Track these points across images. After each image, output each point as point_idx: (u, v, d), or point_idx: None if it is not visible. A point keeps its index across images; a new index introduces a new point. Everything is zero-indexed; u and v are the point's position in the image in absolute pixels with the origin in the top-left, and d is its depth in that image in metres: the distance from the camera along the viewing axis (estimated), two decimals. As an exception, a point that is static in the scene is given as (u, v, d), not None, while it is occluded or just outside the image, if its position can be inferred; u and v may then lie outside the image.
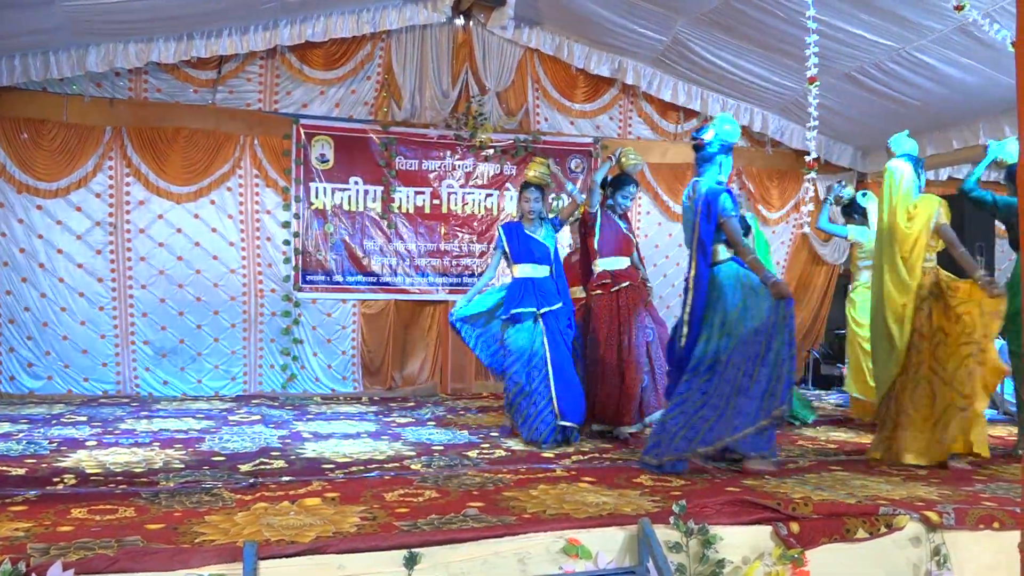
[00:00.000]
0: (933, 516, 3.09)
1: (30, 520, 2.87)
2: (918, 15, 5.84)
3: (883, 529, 3.02)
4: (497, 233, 5.31)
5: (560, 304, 4.98)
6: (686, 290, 4.08)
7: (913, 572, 3.03)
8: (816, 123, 5.38)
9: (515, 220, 5.29)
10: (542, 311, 4.91)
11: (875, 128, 7.97)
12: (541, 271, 5.04)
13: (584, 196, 5.38)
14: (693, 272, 4.02)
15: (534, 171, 5.17)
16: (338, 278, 7.62)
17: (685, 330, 4.01)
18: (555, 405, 4.74)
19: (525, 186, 5.15)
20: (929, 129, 7.64)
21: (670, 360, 4.32)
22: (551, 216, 5.28)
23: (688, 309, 4.02)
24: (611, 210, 5.33)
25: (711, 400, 3.88)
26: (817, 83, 5.33)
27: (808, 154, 5.53)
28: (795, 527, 2.93)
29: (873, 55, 6.59)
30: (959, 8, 5.00)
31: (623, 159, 5.35)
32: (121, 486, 3.50)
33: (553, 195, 7.44)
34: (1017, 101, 1.96)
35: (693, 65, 7.77)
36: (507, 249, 5.11)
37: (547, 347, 4.84)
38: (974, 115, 7.16)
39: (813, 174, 5.46)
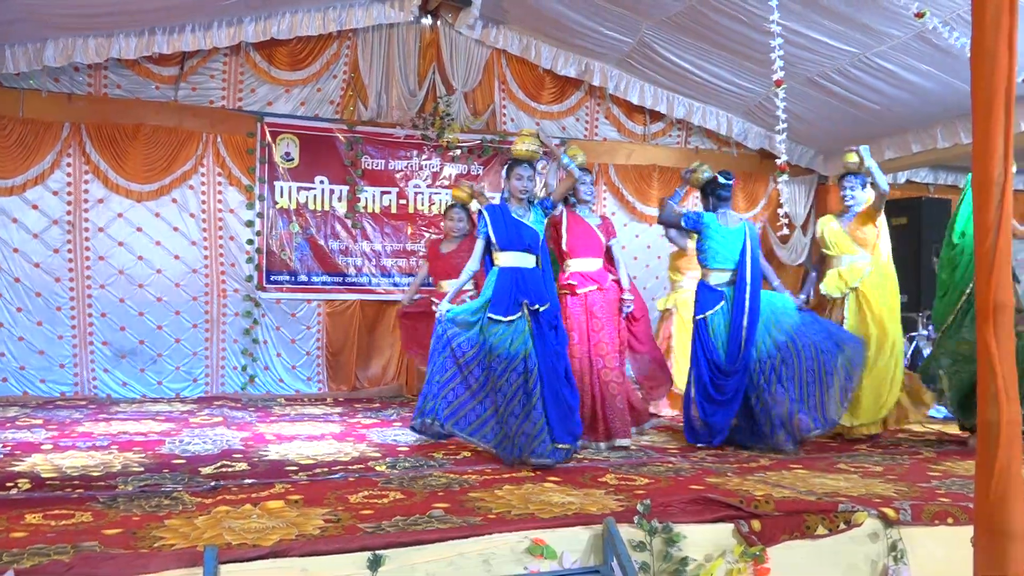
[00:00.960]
0: (890, 512, 3.15)
1: (-18, 526, 2.80)
2: (879, 22, 5.95)
3: (842, 526, 3.07)
4: (480, 216, 4.58)
5: (549, 303, 4.38)
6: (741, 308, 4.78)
7: (871, 568, 3.08)
8: (785, 125, 5.45)
9: (497, 202, 4.70)
10: (536, 308, 4.27)
11: (836, 132, 8.11)
12: (529, 261, 4.41)
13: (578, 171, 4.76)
14: (750, 292, 4.81)
15: (524, 145, 4.44)
16: (303, 278, 7.55)
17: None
18: (547, 422, 4.13)
19: (515, 163, 4.45)
20: (889, 133, 7.80)
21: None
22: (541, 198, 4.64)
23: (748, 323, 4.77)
24: (574, 208, 5.12)
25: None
26: (784, 86, 5.40)
27: (773, 156, 5.61)
28: (756, 525, 2.96)
29: (835, 60, 6.71)
30: (919, 15, 5.12)
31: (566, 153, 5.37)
32: (78, 490, 3.42)
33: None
34: (972, 106, 2.01)
35: (658, 68, 7.83)
36: (492, 235, 4.43)
37: (536, 353, 4.19)
38: (932, 119, 7.32)
39: (784, 176, 5.54)
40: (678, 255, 6.51)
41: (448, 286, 5.35)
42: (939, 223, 8.74)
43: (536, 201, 4.54)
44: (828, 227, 5.49)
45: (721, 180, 5.18)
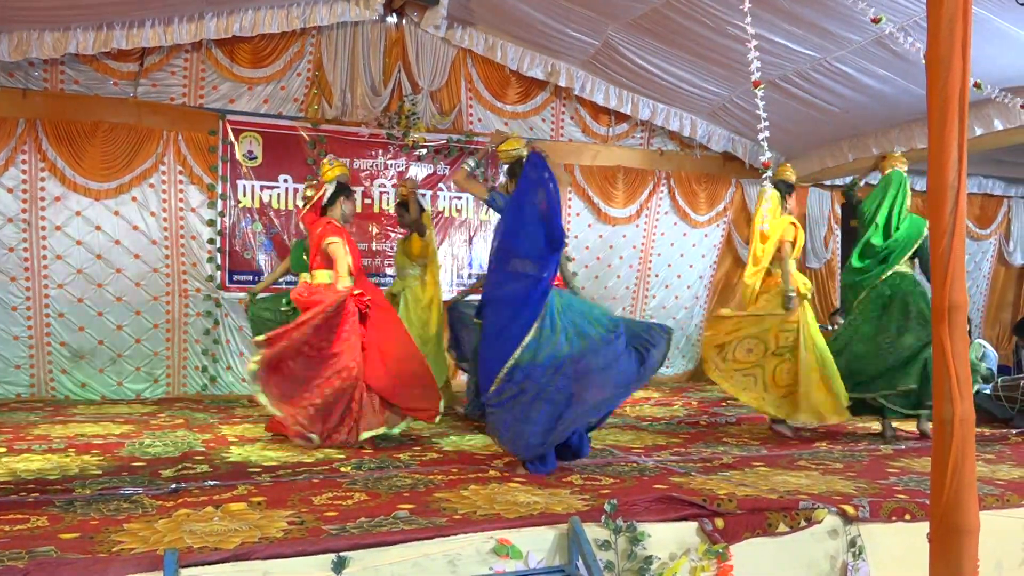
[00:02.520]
0: (849, 509, 3.21)
1: (-68, 532, 2.72)
2: (838, 27, 6.06)
3: (803, 523, 3.12)
4: None
5: None
6: None
7: (830, 564, 3.14)
8: (767, 123, 5.49)
9: None
10: None
11: (798, 134, 8.24)
12: None
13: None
14: None
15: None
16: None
17: None
18: None
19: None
20: (848, 136, 7.95)
21: None
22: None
23: None
24: None
25: None
26: (762, 87, 5.45)
27: (737, 158, 5.68)
28: (720, 523, 3.00)
29: (795, 63, 6.82)
30: (876, 20, 5.22)
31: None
32: (33, 494, 3.35)
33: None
34: (928, 112, 2.05)
35: (624, 69, 7.88)
36: None
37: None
38: (889, 123, 7.48)
39: (768, 173, 5.61)
40: (414, 241, 6.08)
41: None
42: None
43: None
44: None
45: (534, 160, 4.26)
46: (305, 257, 5.29)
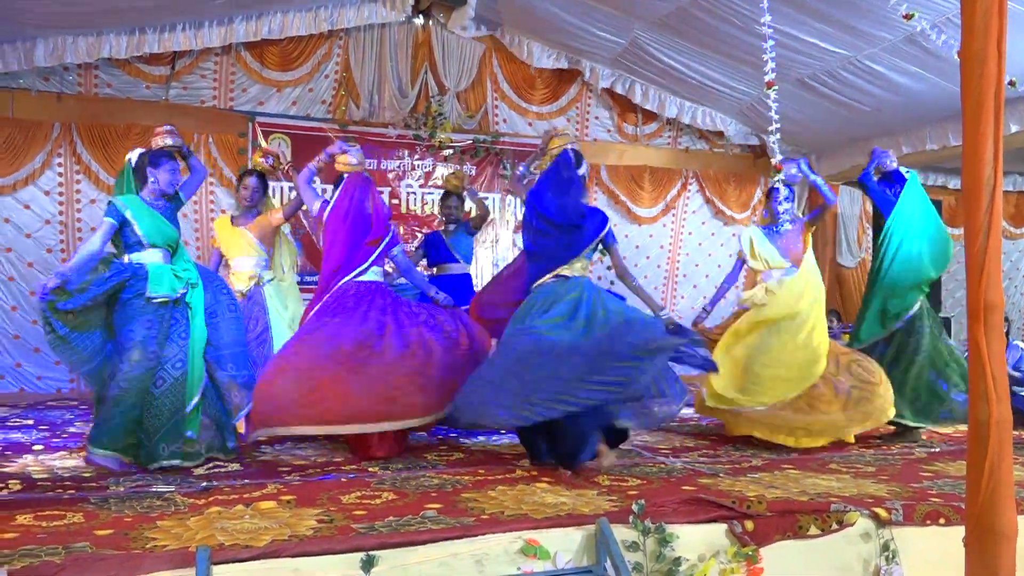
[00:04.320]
0: (882, 512, 3.16)
1: (-28, 527, 2.78)
2: (869, 25, 5.99)
3: (834, 526, 3.08)
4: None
5: None
6: None
7: (863, 568, 3.10)
8: (778, 126, 5.45)
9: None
10: None
11: (827, 133, 8.16)
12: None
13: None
14: None
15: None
16: (296, 278, 7.51)
17: None
18: None
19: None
20: (879, 135, 7.84)
21: None
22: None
23: None
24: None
25: None
26: (775, 87, 5.41)
27: (766, 157, 5.63)
28: (749, 525, 2.97)
29: (826, 62, 6.74)
30: (907, 16, 5.14)
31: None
32: (69, 491, 3.40)
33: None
34: (962, 108, 2.02)
35: (651, 68, 7.85)
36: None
37: None
38: (921, 122, 7.36)
39: (780, 176, 5.54)
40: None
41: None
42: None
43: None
44: (755, 237, 5.14)
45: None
46: None
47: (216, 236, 5.40)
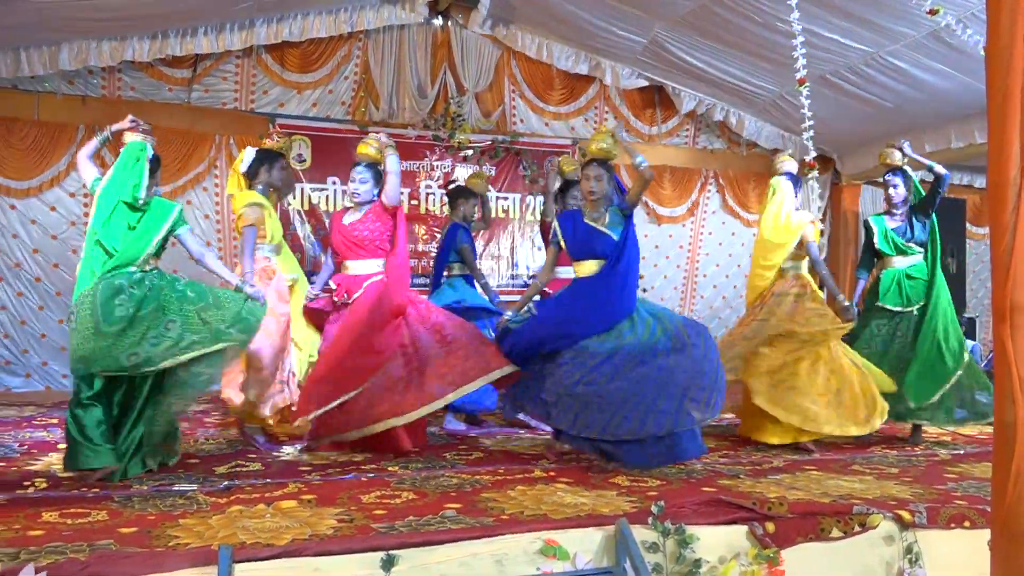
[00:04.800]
0: (905, 515, 3.13)
1: (-1, 524, 2.83)
2: (891, 20, 5.92)
3: (857, 528, 3.05)
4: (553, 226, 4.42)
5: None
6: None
7: (886, 570, 3.07)
8: (812, 123, 5.41)
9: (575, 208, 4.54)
10: None
11: (849, 131, 8.07)
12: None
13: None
14: None
15: (598, 143, 4.25)
16: (315, 278, 7.55)
17: None
18: None
19: (587, 163, 4.25)
20: (903, 132, 7.74)
21: None
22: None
23: None
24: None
25: None
26: (806, 84, 5.36)
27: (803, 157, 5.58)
28: (770, 527, 2.96)
29: (847, 59, 6.68)
30: (932, 12, 5.08)
31: (563, 167, 5.75)
32: (94, 489, 3.45)
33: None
34: (987, 106, 1.99)
35: (671, 67, 7.81)
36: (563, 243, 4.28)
37: None
38: (945, 119, 7.27)
39: (814, 174, 5.48)
40: None
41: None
42: (953, 223, 8.71)
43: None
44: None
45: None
46: None
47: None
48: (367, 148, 4.60)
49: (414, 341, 4.39)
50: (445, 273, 5.68)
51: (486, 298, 5.62)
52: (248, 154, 4.97)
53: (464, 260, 5.63)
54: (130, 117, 4.23)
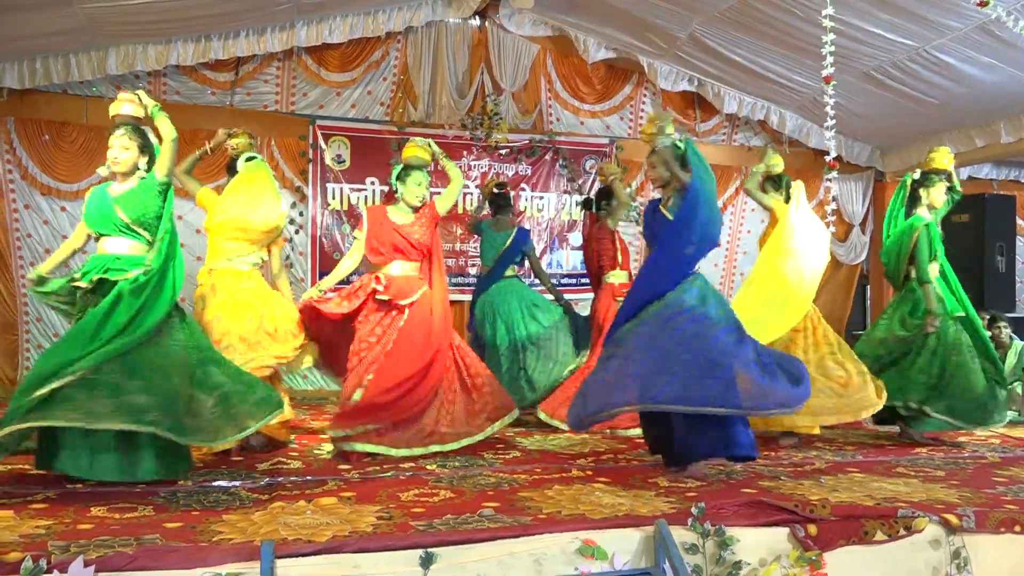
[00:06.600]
0: (953, 519, 3.06)
1: (50, 518, 2.91)
2: (937, 14, 5.79)
3: (902, 531, 2.99)
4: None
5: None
6: None
7: (932, 575, 3.00)
8: (834, 122, 5.34)
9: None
10: None
11: (894, 127, 7.92)
12: None
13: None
14: None
15: (654, 128, 4.03)
16: (354, 278, 7.63)
17: None
18: None
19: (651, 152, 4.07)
20: (949, 128, 7.58)
21: None
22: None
23: None
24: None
25: None
26: (833, 82, 5.29)
27: (827, 154, 5.51)
28: (812, 529, 2.91)
29: (892, 54, 6.55)
30: (983, 4, 4.95)
31: (605, 170, 6.17)
32: (140, 485, 3.53)
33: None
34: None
35: (709, 63, 7.73)
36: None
37: None
38: (994, 114, 7.10)
39: (833, 174, 5.41)
40: None
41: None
42: (1003, 220, 8.48)
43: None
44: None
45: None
46: None
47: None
48: (424, 152, 4.76)
49: (458, 371, 4.61)
50: (507, 272, 6.08)
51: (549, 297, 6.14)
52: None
53: (530, 262, 6.23)
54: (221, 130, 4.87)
